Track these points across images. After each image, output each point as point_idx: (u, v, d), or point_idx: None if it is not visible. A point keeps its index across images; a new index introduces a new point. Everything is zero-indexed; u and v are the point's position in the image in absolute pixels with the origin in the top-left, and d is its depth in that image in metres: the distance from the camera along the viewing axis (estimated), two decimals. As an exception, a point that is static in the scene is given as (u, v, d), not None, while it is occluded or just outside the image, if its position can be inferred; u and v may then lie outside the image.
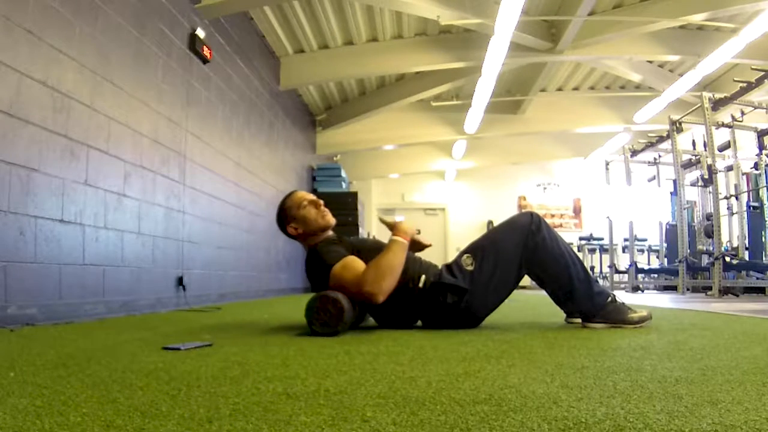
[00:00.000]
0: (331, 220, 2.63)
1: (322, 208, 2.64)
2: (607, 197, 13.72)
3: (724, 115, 8.00)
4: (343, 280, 2.34)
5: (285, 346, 1.85)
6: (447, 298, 2.43)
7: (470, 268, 2.46)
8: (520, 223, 2.51)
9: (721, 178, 7.82)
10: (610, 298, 2.46)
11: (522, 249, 2.46)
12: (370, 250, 2.51)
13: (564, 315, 2.67)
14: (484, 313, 2.52)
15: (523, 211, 2.61)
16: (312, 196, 2.65)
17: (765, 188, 7.70)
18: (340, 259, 2.40)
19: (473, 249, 2.53)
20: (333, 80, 8.59)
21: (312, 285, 2.54)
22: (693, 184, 8.96)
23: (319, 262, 2.44)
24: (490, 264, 2.46)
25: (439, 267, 2.57)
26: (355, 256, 2.45)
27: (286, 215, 2.60)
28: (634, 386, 1.14)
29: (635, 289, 9.09)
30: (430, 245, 2.70)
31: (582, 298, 2.46)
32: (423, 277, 2.47)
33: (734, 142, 7.88)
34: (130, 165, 3.87)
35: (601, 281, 10.89)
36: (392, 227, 2.50)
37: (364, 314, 2.63)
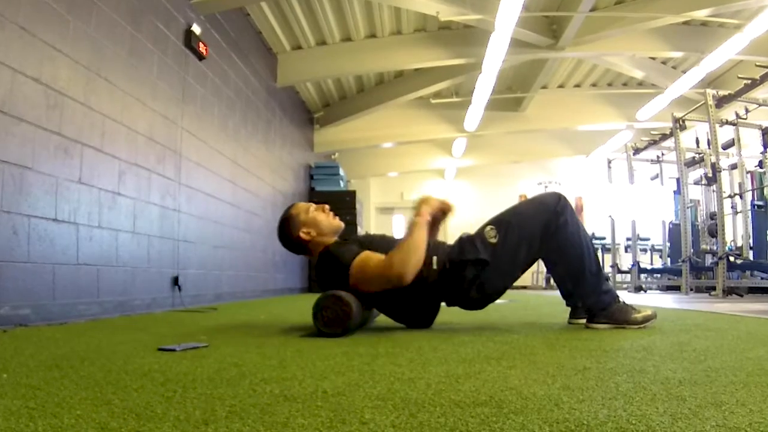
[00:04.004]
0: (341, 222, 2.64)
1: (329, 211, 2.64)
2: (610, 196, 13.71)
3: (728, 113, 8.00)
4: (367, 270, 2.34)
5: (282, 347, 1.85)
6: (467, 272, 2.42)
7: (493, 240, 2.45)
8: (547, 201, 2.51)
9: (725, 176, 7.81)
10: (614, 299, 2.46)
11: (544, 228, 2.45)
12: (380, 244, 2.52)
13: (566, 316, 2.67)
14: (497, 289, 2.51)
15: (550, 191, 2.61)
16: (314, 204, 2.66)
17: (769, 187, 7.70)
18: (357, 254, 2.40)
19: (497, 222, 2.52)
20: (331, 77, 8.60)
21: (325, 288, 2.47)
22: (696, 183, 8.97)
23: (336, 262, 2.43)
24: (513, 239, 2.45)
25: (446, 244, 2.56)
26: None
27: (295, 221, 2.57)
28: (636, 388, 1.14)
29: (638, 289, 9.09)
30: (451, 209, 2.56)
31: (589, 291, 2.45)
32: (435, 258, 2.46)
33: (738, 139, 7.88)
34: (125, 163, 3.87)
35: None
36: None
37: (370, 316, 2.63)
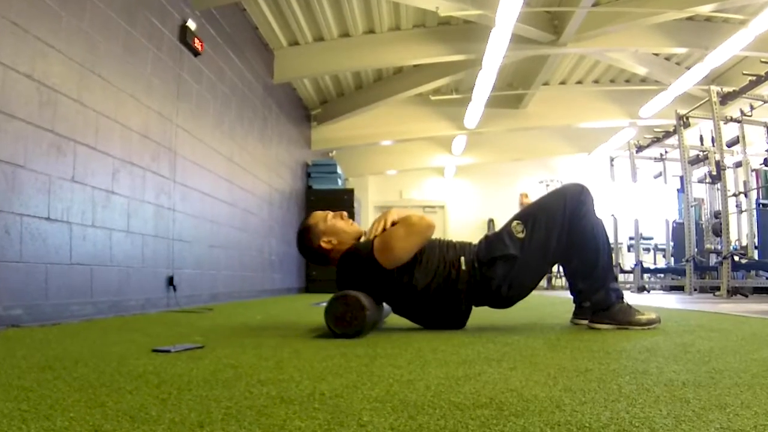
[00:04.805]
0: (361, 228, 2.66)
1: (347, 218, 2.65)
2: (612, 194, 13.71)
3: (733, 110, 8.01)
4: (390, 236, 2.40)
5: (279, 349, 1.85)
6: (496, 269, 2.44)
7: (521, 235, 2.48)
8: (570, 192, 2.55)
9: (729, 174, 7.83)
10: (619, 299, 2.47)
11: (571, 218, 2.48)
12: None
13: (567, 317, 2.67)
14: (527, 285, 2.53)
15: (573, 182, 2.67)
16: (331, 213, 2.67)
17: (774, 185, 7.71)
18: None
19: (523, 216, 2.55)
20: (328, 73, 8.59)
21: (346, 286, 2.45)
22: (700, 181, 8.96)
23: (359, 254, 2.47)
24: (541, 231, 2.48)
25: (474, 243, 2.58)
26: None
27: (315, 231, 2.58)
28: (639, 390, 1.14)
29: (641, 289, 9.09)
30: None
31: (598, 286, 2.46)
32: (462, 258, 2.48)
33: (743, 137, 7.89)
34: (119, 161, 3.86)
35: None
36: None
37: (380, 318, 2.63)
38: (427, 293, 2.46)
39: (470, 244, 2.59)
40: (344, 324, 2.17)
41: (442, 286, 2.45)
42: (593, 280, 2.48)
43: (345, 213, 2.66)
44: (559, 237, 2.48)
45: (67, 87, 3.33)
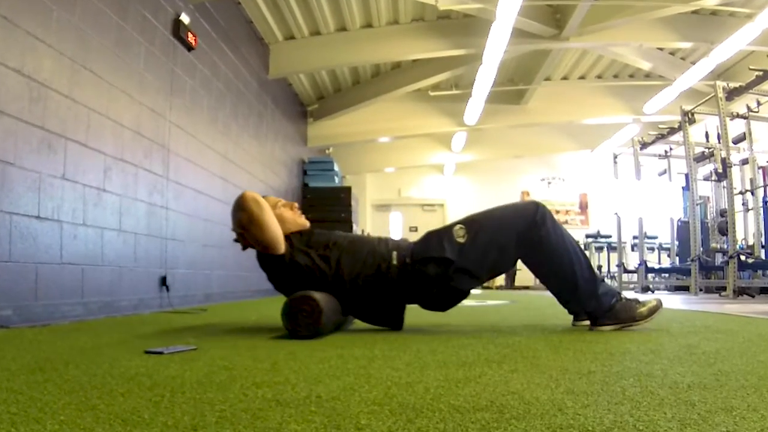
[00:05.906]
0: (307, 221, 2.67)
1: (297, 209, 2.66)
2: (616, 192, 13.75)
3: (739, 106, 8.00)
4: (256, 236, 2.47)
5: (274, 350, 1.85)
6: (429, 269, 2.44)
7: (461, 240, 2.46)
8: (525, 211, 2.50)
9: (735, 172, 7.82)
10: (615, 298, 2.46)
11: (521, 238, 2.45)
12: (345, 245, 2.54)
13: (570, 317, 2.67)
14: (459, 290, 2.51)
15: (528, 199, 2.64)
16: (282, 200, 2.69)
17: (781, 183, 7.72)
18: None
19: (469, 222, 2.53)
20: (325, 68, 8.58)
21: (283, 286, 2.61)
22: (706, 179, 8.98)
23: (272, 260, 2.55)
24: (483, 241, 2.46)
25: (409, 241, 2.60)
26: (326, 250, 2.50)
27: None
28: (643, 392, 1.14)
29: (645, 289, 9.11)
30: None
31: (587, 298, 2.45)
32: (395, 253, 2.49)
33: (750, 133, 7.89)
34: (111, 158, 3.86)
35: (609, 281, 10.91)
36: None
37: (346, 319, 2.65)
38: (356, 285, 2.46)
39: (406, 240, 2.62)
40: (303, 324, 2.20)
41: (371, 278, 2.46)
42: (579, 294, 2.45)
43: (296, 204, 2.68)
44: (501, 252, 2.47)
45: (58, 82, 3.32)
